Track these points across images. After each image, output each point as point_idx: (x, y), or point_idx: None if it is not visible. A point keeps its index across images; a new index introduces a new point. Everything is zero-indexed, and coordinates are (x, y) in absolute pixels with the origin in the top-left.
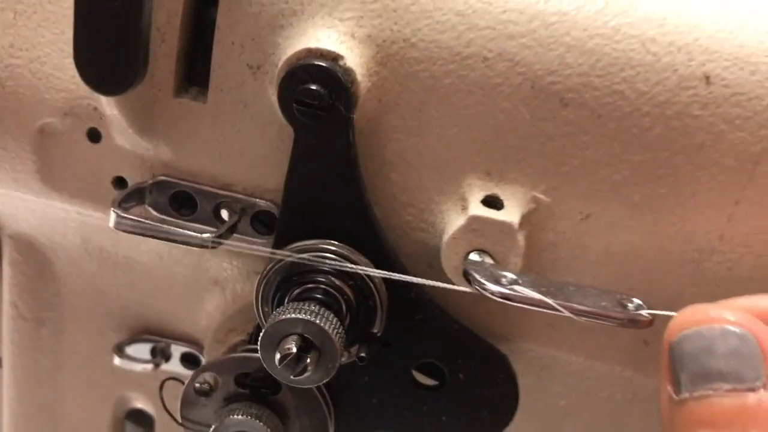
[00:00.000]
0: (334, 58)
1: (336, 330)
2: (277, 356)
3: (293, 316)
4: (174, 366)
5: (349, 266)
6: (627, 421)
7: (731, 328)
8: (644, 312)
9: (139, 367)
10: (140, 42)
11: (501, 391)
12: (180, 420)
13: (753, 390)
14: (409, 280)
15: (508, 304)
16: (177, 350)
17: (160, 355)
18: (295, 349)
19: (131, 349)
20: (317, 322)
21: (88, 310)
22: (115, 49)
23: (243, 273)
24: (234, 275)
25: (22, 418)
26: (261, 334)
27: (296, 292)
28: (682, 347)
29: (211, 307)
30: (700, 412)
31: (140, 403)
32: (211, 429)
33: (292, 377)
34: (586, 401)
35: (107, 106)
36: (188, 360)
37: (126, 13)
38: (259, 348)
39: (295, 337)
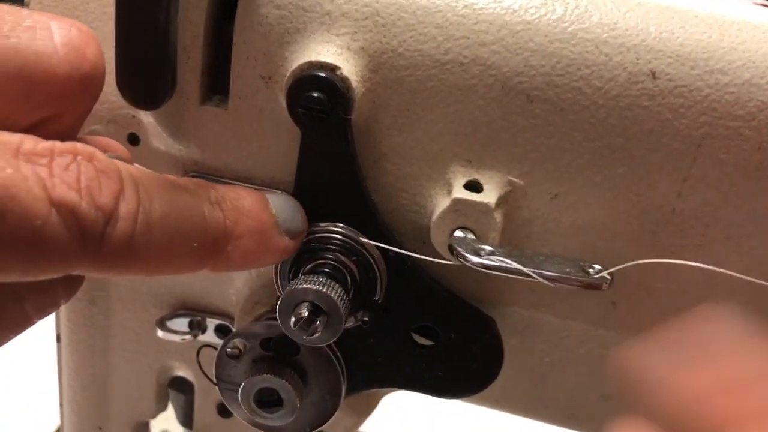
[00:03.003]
0: (332, 68)
1: (341, 297)
2: (292, 320)
3: (305, 286)
4: (209, 337)
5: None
6: (603, 374)
7: None
8: (603, 274)
9: (179, 338)
10: (169, 64)
11: (488, 348)
12: (215, 380)
13: None
14: (404, 254)
15: (491, 275)
16: (211, 323)
17: (197, 327)
18: (306, 314)
19: (172, 323)
20: (325, 291)
21: (133, 290)
22: (148, 71)
23: None
24: None
25: (78, 387)
26: (279, 302)
27: (308, 267)
28: None
29: (240, 284)
30: None
31: (181, 371)
32: (242, 386)
33: (305, 337)
34: (566, 357)
35: (144, 115)
36: (221, 331)
37: (155, 39)
38: (277, 313)
39: (306, 303)
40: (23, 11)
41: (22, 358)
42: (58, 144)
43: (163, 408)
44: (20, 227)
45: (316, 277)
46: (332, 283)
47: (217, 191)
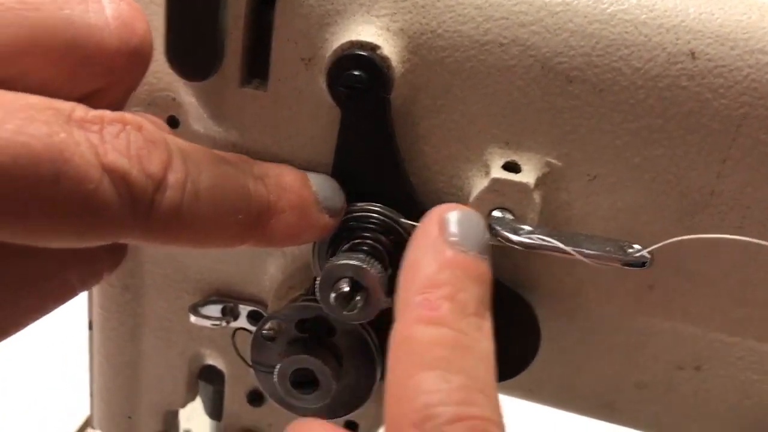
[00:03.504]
0: (373, 47)
1: (380, 274)
2: (332, 295)
3: (345, 262)
4: (241, 323)
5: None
6: (639, 361)
7: None
8: (643, 252)
9: (211, 324)
10: (219, 33)
11: (525, 332)
12: (250, 362)
13: None
14: None
15: (530, 258)
16: (244, 309)
17: (229, 313)
18: (347, 289)
19: (204, 310)
20: (365, 266)
21: (166, 277)
22: (198, 39)
23: None
24: None
25: (109, 375)
26: (319, 278)
27: (346, 246)
28: None
29: (273, 269)
30: None
31: (212, 360)
32: (278, 366)
33: (344, 313)
34: (602, 344)
35: (185, 96)
36: (254, 317)
37: (207, 11)
38: (317, 289)
39: (347, 279)
40: None
41: (52, 350)
42: (108, 113)
43: (193, 397)
44: (74, 191)
45: (356, 254)
46: (372, 260)
47: (260, 167)
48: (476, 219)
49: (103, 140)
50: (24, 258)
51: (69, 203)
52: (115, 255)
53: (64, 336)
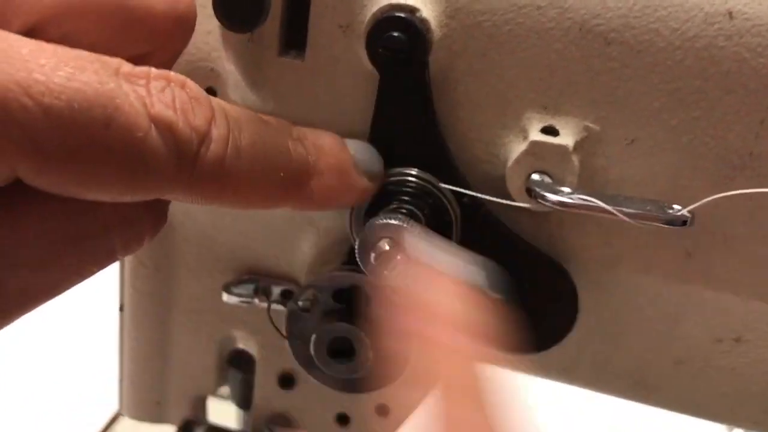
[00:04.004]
0: (412, 10)
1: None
2: (372, 255)
3: (386, 221)
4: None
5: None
6: (676, 335)
7: None
8: (683, 211)
9: (243, 303)
10: None
11: (562, 300)
12: (285, 334)
13: None
14: (480, 198)
15: (565, 228)
16: (276, 288)
17: (262, 292)
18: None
19: (237, 289)
20: (405, 226)
21: (198, 255)
22: None
23: (332, 211)
24: (326, 213)
25: (139, 358)
26: (359, 239)
27: (384, 211)
28: None
29: (306, 246)
30: None
31: (242, 343)
32: (314, 335)
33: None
34: (639, 317)
35: (223, 66)
36: (286, 296)
37: None
38: (356, 250)
39: (387, 239)
40: None
41: (81, 344)
42: (153, 69)
43: (222, 383)
44: (124, 138)
45: (395, 215)
46: (412, 221)
47: (298, 129)
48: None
49: (150, 93)
50: (68, 215)
51: (119, 150)
52: (156, 218)
53: (93, 331)
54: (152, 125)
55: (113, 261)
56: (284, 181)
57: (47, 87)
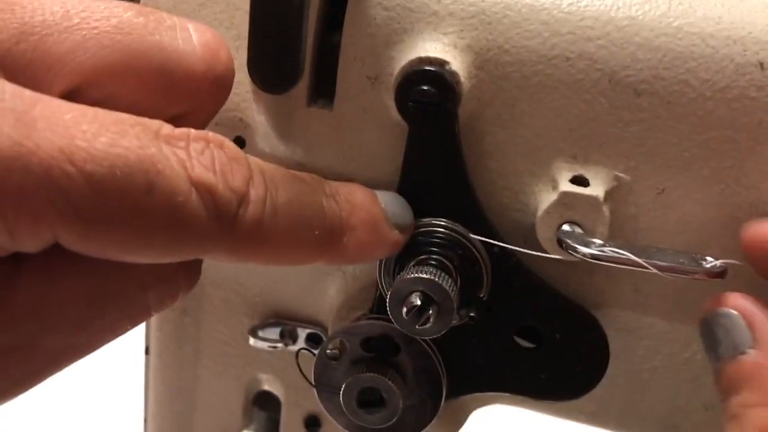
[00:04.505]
0: (441, 63)
1: (452, 288)
2: (404, 309)
3: (416, 275)
4: (300, 346)
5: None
6: (707, 381)
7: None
8: (716, 263)
9: (270, 347)
10: (300, 47)
11: (593, 349)
12: (313, 382)
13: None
14: (511, 249)
15: (594, 274)
16: (302, 332)
17: (288, 336)
18: (419, 302)
19: (263, 332)
20: (437, 280)
21: (225, 299)
22: (281, 52)
23: None
24: None
25: (165, 399)
26: (390, 292)
27: (413, 262)
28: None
29: (333, 291)
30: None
31: (268, 385)
32: (344, 385)
33: (416, 327)
34: (669, 363)
35: (252, 116)
36: (312, 340)
37: (291, 19)
38: (388, 304)
39: (418, 293)
40: (163, 13)
41: (106, 379)
42: (192, 130)
43: (248, 424)
44: (165, 203)
45: (425, 268)
46: (442, 274)
47: (330, 185)
48: None
49: (190, 156)
50: (106, 276)
51: (160, 215)
52: (191, 275)
53: (117, 367)
54: (193, 189)
55: (147, 318)
56: (319, 239)
57: (89, 153)
